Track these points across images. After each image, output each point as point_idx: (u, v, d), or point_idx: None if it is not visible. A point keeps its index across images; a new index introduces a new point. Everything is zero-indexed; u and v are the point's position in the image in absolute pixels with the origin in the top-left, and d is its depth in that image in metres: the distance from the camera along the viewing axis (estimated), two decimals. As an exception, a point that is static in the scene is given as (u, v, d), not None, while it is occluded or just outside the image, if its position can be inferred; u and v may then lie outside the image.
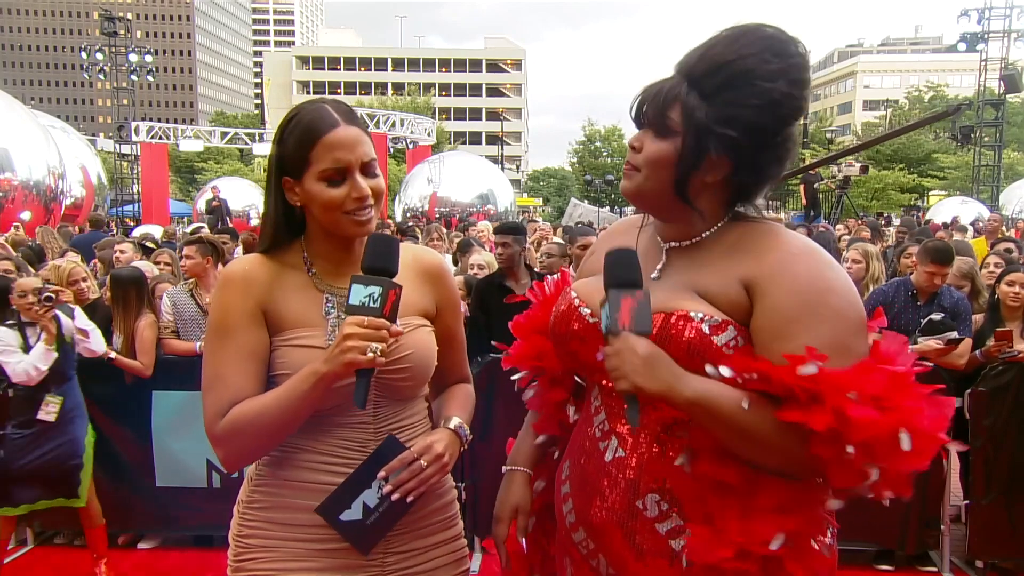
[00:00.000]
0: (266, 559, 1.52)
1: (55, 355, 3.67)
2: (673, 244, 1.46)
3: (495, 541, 1.60)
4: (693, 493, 1.33)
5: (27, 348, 3.68)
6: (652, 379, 1.25)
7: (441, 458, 1.53)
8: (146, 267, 5.31)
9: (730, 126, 1.32)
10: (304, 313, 1.54)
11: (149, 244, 7.85)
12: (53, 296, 3.68)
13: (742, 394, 1.26)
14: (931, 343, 4.08)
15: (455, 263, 7.10)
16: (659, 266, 1.45)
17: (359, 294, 1.39)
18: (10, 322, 3.75)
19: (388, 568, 1.58)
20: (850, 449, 1.19)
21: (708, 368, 1.29)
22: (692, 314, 1.31)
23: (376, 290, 1.39)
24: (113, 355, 4.10)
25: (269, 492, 1.54)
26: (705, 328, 1.30)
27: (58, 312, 3.72)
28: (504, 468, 1.66)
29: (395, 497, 1.49)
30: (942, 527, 4.06)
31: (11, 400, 3.71)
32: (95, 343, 3.93)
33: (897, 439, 1.19)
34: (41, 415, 3.67)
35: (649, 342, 1.27)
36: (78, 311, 3.95)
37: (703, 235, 1.42)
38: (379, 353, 1.38)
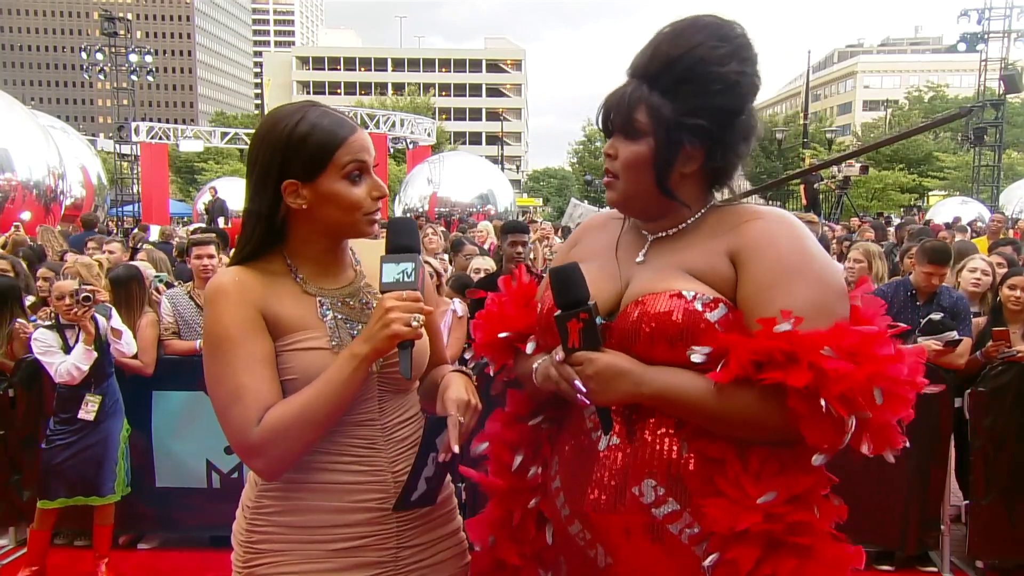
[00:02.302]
0: (280, 563, 1.51)
1: (95, 355, 3.79)
2: (659, 235, 1.50)
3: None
4: (697, 473, 1.35)
5: (67, 348, 3.82)
6: (610, 391, 1.35)
7: (471, 404, 1.54)
8: (143, 267, 5.30)
9: (698, 115, 1.38)
10: (302, 317, 1.52)
11: (145, 246, 7.85)
12: (91, 296, 3.77)
13: (709, 381, 1.30)
14: (931, 343, 4.08)
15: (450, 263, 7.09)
16: (643, 251, 1.50)
17: (392, 272, 1.45)
18: (48, 323, 3.92)
19: (401, 563, 1.58)
20: (823, 402, 1.22)
21: (691, 355, 1.32)
22: (684, 292, 1.35)
23: (409, 266, 1.45)
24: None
25: (280, 496, 1.53)
26: (698, 305, 1.33)
27: (95, 312, 3.83)
28: None
29: (455, 452, 1.50)
30: (942, 527, 4.06)
31: (56, 397, 3.89)
32: (126, 344, 4.01)
33: (873, 389, 1.23)
34: (82, 414, 3.83)
35: (603, 355, 1.35)
36: (114, 311, 4.04)
37: (688, 222, 1.47)
38: (420, 324, 1.41)
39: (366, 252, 1.69)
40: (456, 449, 1.48)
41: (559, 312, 1.36)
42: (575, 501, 1.46)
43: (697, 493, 1.34)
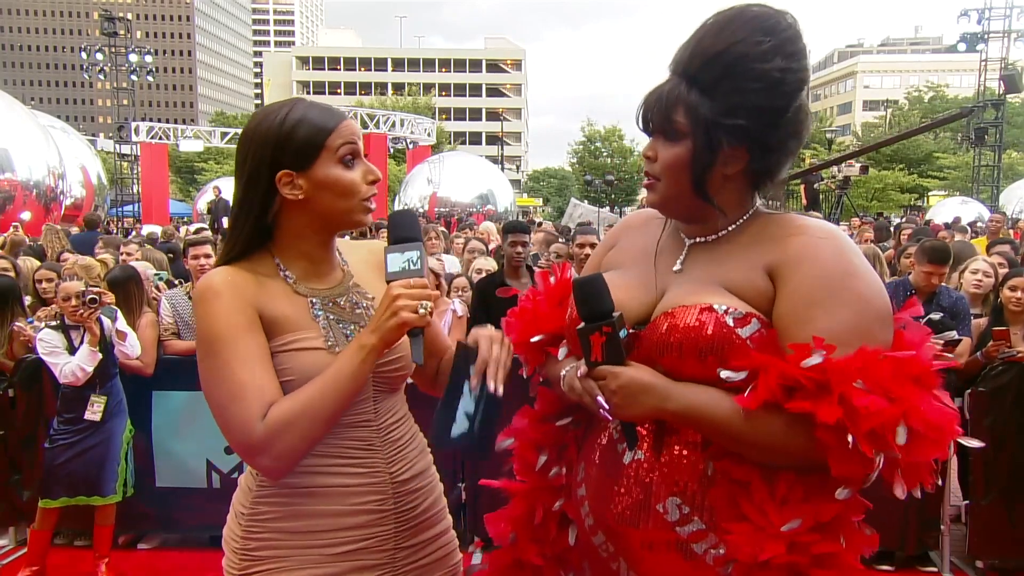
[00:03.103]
0: (279, 569, 1.49)
1: (100, 356, 3.81)
2: (697, 240, 1.45)
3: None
4: (722, 495, 1.31)
5: (72, 349, 3.84)
6: (634, 406, 1.30)
7: (502, 339, 1.54)
8: (143, 267, 5.30)
9: (737, 115, 1.30)
10: (295, 317, 1.50)
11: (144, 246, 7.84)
12: (97, 298, 3.78)
13: (736, 403, 1.26)
14: (930, 343, 4.08)
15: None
16: (680, 259, 1.44)
17: (397, 261, 1.43)
18: (54, 324, 3.93)
19: (399, 564, 1.58)
20: (850, 439, 1.17)
21: (722, 373, 1.27)
22: (716, 306, 1.30)
23: (414, 254, 1.43)
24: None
25: (278, 503, 1.51)
26: (729, 320, 1.28)
27: (100, 314, 3.85)
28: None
29: (491, 389, 1.47)
30: (942, 527, 4.06)
31: (60, 397, 3.90)
32: (131, 347, 4.03)
33: (906, 428, 1.17)
34: (88, 415, 3.85)
35: (627, 370, 1.31)
36: (120, 313, 4.06)
37: (728, 229, 1.42)
38: (428, 311, 1.39)
39: (351, 253, 1.69)
40: (492, 379, 1.45)
41: (581, 325, 1.32)
42: (599, 512, 1.43)
43: (722, 514, 1.30)
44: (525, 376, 1.64)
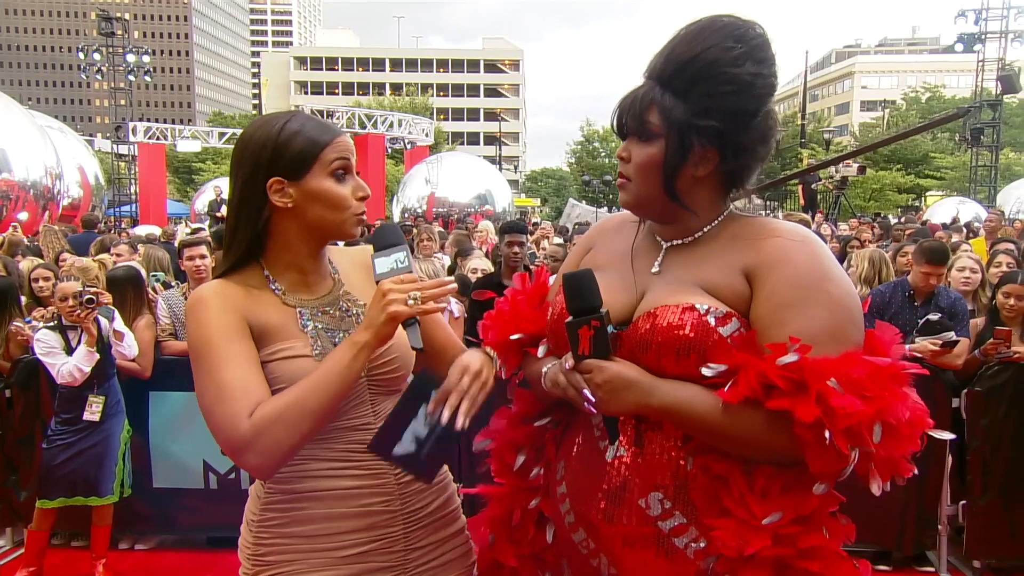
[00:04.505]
0: (288, 573, 1.51)
1: (97, 356, 3.81)
2: (673, 243, 1.47)
3: None
4: (703, 489, 1.34)
5: (69, 349, 3.83)
6: (619, 401, 1.33)
7: (480, 374, 1.50)
8: (137, 267, 5.30)
9: (709, 116, 1.35)
10: (283, 327, 1.52)
11: (145, 245, 7.82)
12: (94, 299, 3.78)
13: (717, 399, 1.29)
14: (928, 344, 4.09)
15: (451, 272, 7.06)
16: (658, 261, 1.47)
17: (385, 264, 1.46)
18: (51, 324, 3.92)
19: (411, 566, 1.59)
20: (827, 435, 1.21)
21: (703, 370, 1.30)
22: (697, 306, 1.33)
23: (401, 255, 1.46)
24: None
25: (283, 508, 1.53)
26: (710, 320, 1.32)
27: (97, 314, 3.84)
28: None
29: (445, 420, 1.44)
30: (939, 527, 4.06)
31: (58, 398, 3.91)
32: (128, 347, 4.02)
33: (881, 425, 1.22)
34: (87, 416, 3.84)
35: (613, 364, 1.33)
36: (117, 313, 4.06)
37: (704, 230, 1.45)
38: (418, 301, 1.40)
39: (342, 259, 1.70)
40: (446, 414, 1.43)
41: (570, 318, 1.34)
42: (581, 509, 1.45)
43: (703, 508, 1.33)
44: (504, 378, 1.64)
